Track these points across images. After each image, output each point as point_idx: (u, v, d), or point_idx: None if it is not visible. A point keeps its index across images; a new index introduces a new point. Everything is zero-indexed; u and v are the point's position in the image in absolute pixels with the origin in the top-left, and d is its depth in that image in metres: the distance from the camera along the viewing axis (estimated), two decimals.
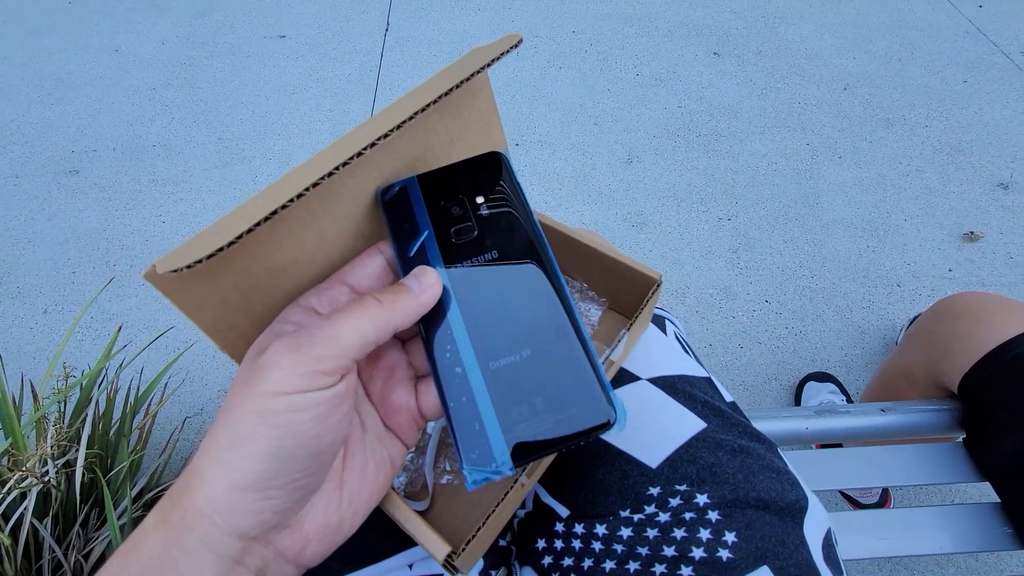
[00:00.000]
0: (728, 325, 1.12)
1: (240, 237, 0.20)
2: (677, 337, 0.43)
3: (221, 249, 0.20)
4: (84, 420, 0.63)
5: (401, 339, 0.26)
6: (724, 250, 1.22)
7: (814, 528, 0.32)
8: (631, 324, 0.35)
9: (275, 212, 0.21)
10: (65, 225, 1.29)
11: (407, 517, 0.27)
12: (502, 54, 0.26)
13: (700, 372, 0.40)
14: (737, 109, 1.48)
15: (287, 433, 0.19)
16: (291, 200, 0.21)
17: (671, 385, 0.37)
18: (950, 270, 1.17)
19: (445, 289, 0.24)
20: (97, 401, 0.75)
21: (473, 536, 0.27)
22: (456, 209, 0.26)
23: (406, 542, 0.33)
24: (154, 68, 1.65)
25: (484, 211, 0.26)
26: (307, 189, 0.21)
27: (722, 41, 1.67)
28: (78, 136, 1.48)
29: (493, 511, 0.28)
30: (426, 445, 0.36)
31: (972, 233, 1.21)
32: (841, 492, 0.90)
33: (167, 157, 1.42)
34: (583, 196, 1.32)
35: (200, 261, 0.19)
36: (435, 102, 0.24)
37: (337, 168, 0.22)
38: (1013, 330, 0.48)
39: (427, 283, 0.23)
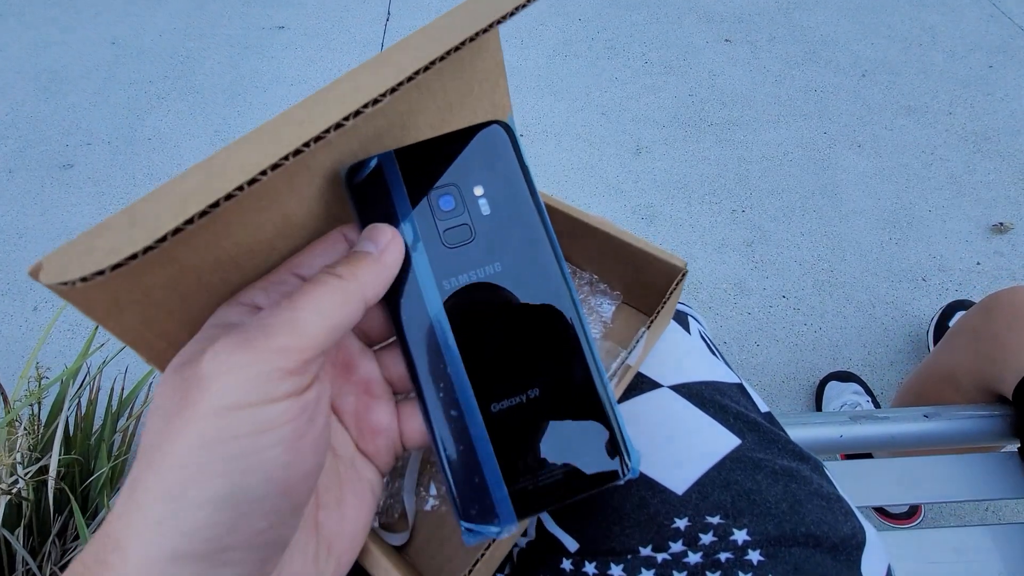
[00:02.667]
0: (743, 322, 1.06)
1: (164, 240, 0.14)
2: (702, 336, 0.38)
3: (134, 256, 0.14)
4: (56, 426, 0.59)
5: (371, 345, 0.22)
6: (738, 243, 1.16)
7: (873, 566, 0.27)
8: (651, 321, 0.30)
9: (216, 204, 0.15)
10: (58, 220, 1.26)
11: (376, 562, 0.22)
12: (519, 7, 0.20)
13: (731, 377, 0.35)
14: (750, 97, 1.42)
15: (248, 466, 0.14)
16: (239, 188, 0.15)
17: (698, 394, 0.32)
18: (978, 263, 1.11)
19: (434, 315, 0.19)
20: (79, 402, 0.71)
21: (475, 563, 0.23)
22: (447, 201, 0.20)
23: None
24: (151, 60, 1.61)
25: (484, 207, 0.20)
26: (263, 173, 0.15)
27: (734, 27, 1.61)
28: (73, 130, 1.44)
29: (486, 549, 0.23)
30: (404, 466, 0.31)
31: (1001, 224, 1.15)
32: None
33: (162, 150, 1.38)
34: (590, 188, 1.27)
35: (101, 273, 0.13)
36: (442, 59, 0.18)
37: (308, 144, 0.16)
38: None
39: (383, 240, 0.18)
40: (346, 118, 0.17)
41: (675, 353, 0.34)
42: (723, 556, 0.26)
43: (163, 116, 1.45)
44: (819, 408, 0.94)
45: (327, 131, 0.16)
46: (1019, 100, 1.38)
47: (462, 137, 0.21)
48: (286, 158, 0.16)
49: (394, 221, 0.20)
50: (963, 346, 0.54)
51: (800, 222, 1.19)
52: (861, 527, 0.28)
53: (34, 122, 1.46)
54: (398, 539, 0.29)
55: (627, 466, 0.20)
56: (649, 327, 0.30)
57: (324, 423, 0.17)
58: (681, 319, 0.37)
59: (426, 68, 0.18)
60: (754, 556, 0.25)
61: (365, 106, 0.17)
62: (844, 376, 0.94)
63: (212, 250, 0.18)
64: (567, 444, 0.19)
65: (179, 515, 0.14)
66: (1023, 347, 0.45)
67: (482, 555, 0.23)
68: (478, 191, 0.20)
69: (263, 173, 0.15)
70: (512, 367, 0.19)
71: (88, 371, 0.74)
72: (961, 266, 1.11)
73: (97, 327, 0.73)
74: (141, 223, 0.14)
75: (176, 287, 0.18)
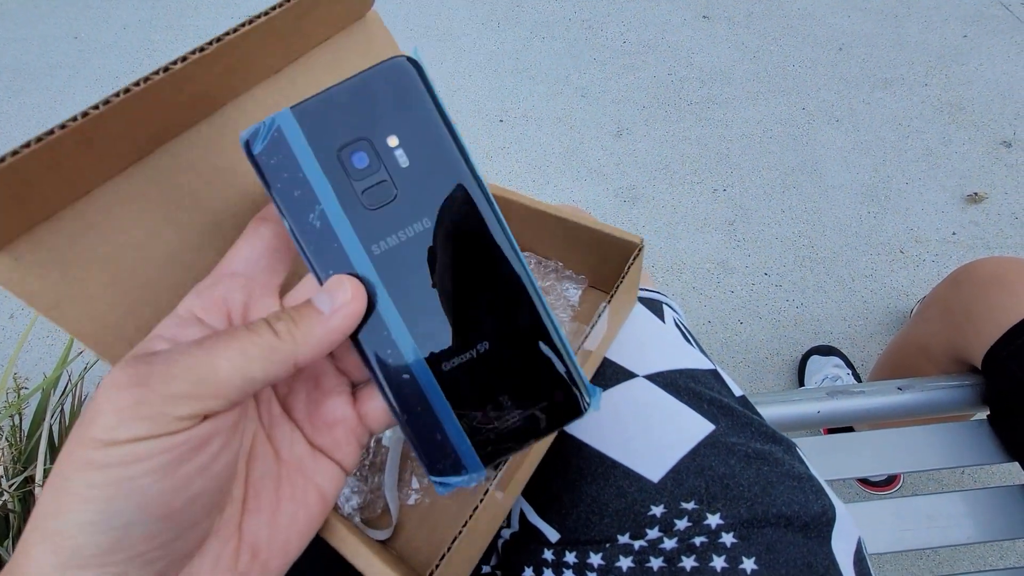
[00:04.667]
0: (726, 300, 1.08)
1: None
2: (677, 324, 0.38)
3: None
4: (39, 436, 0.58)
5: None
6: (720, 222, 1.17)
7: (843, 541, 0.28)
8: (611, 296, 0.30)
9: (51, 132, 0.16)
10: None
11: (356, 552, 0.22)
12: None
13: (705, 364, 0.35)
14: (729, 74, 1.42)
15: (119, 494, 0.14)
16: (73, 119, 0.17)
17: (672, 382, 0.32)
18: (954, 233, 1.13)
19: (368, 282, 0.19)
20: (62, 410, 0.70)
21: (441, 560, 0.23)
22: (360, 159, 0.18)
23: None
24: (116, 55, 1.56)
25: (402, 159, 0.18)
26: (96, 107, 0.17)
27: (711, 3, 1.59)
28: (38, 129, 1.39)
29: (464, 527, 0.24)
30: (383, 461, 0.31)
31: (976, 194, 1.17)
32: None
33: None
34: (572, 172, 1.26)
35: None
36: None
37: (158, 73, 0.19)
38: None
39: (340, 300, 0.17)
40: (183, 58, 0.18)
41: (650, 342, 0.35)
42: (697, 540, 0.26)
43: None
44: (801, 382, 0.96)
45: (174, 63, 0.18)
46: (993, 69, 1.39)
47: (364, 82, 0.18)
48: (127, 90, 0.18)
49: (305, 190, 0.18)
50: (934, 318, 0.55)
51: (781, 199, 1.20)
52: (831, 504, 0.29)
53: None
54: (382, 535, 0.29)
55: (585, 401, 0.20)
56: (610, 302, 0.30)
57: (220, 447, 0.16)
58: (656, 308, 0.38)
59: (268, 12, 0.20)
60: (727, 539, 0.26)
61: (202, 49, 0.19)
62: (825, 350, 0.96)
63: (143, 248, 0.20)
64: (523, 390, 0.20)
65: (62, 531, 0.15)
66: (991, 318, 0.46)
67: (458, 534, 0.24)
68: (392, 141, 0.18)
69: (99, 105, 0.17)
70: (457, 324, 0.19)
71: (69, 378, 0.73)
72: (937, 237, 1.13)
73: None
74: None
75: (115, 283, 0.19)
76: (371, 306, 0.19)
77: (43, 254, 0.18)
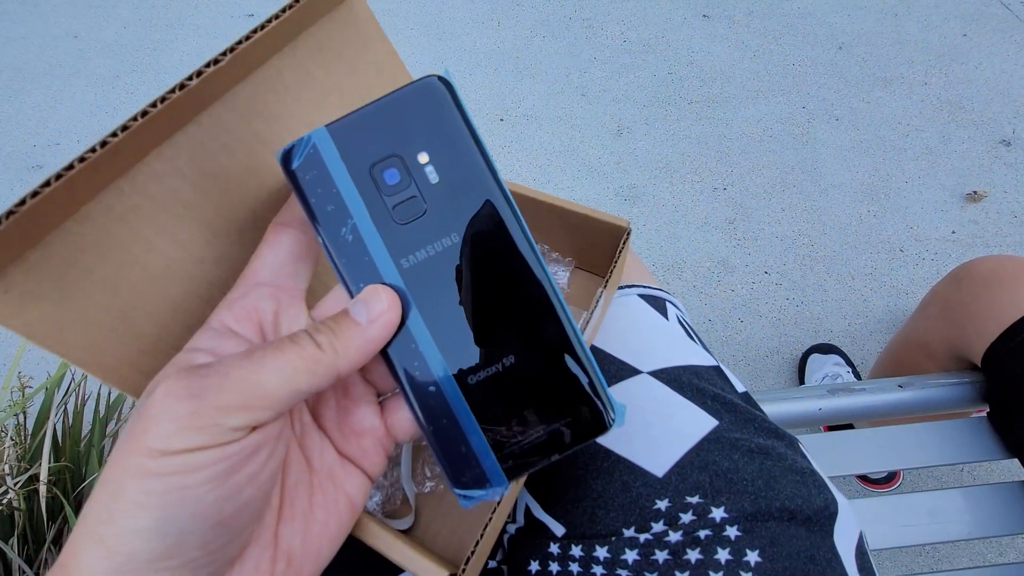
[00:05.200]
0: (727, 299, 1.08)
1: (23, 203, 0.15)
2: (680, 321, 0.39)
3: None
4: (44, 435, 0.58)
5: None
6: (720, 221, 1.17)
7: (845, 535, 0.29)
8: (607, 281, 0.31)
9: (71, 167, 0.16)
10: None
11: (391, 544, 0.23)
12: None
13: (708, 360, 0.35)
14: (729, 73, 1.42)
15: (175, 502, 0.15)
16: (91, 151, 0.16)
17: (676, 378, 0.33)
18: (953, 232, 1.13)
19: (401, 294, 0.19)
20: (65, 409, 0.71)
21: (473, 552, 0.24)
22: (392, 175, 0.19)
23: (391, 572, 0.29)
24: (116, 54, 1.56)
25: (432, 175, 0.19)
26: (114, 135, 0.17)
27: (712, 2, 1.60)
28: (39, 129, 1.40)
29: (490, 519, 0.24)
30: (399, 455, 0.31)
31: (975, 193, 1.17)
32: None
33: None
34: (572, 171, 1.26)
35: None
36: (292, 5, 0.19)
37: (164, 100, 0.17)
38: None
39: (376, 311, 0.18)
40: (199, 73, 0.18)
41: (653, 339, 0.35)
42: (702, 533, 0.27)
43: (133, 112, 1.42)
44: (802, 380, 0.96)
45: (182, 87, 0.18)
46: (992, 68, 1.39)
47: (397, 100, 0.19)
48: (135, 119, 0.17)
49: (338, 204, 0.19)
50: (935, 315, 0.55)
51: (781, 198, 1.20)
52: (833, 498, 0.30)
53: None
54: (403, 524, 0.30)
55: (611, 418, 0.20)
56: (605, 287, 0.31)
57: (269, 455, 0.17)
58: (659, 305, 0.38)
59: (278, 17, 0.19)
60: (731, 532, 0.27)
61: (223, 55, 0.18)
62: (826, 348, 0.96)
63: (139, 266, 0.19)
64: (549, 404, 0.20)
65: (116, 538, 0.15)
66: (990, 315, 0.46)
67: (487, 525, 0.24)
68: (423, 158, 0.19)
69: (114, 135, 0.17)
70: (484, 338, 0.19)
71: (72, 378, 0.74)
72: (937, 235, 1.13)
73: None
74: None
75: (113, 305, 0.18)
76: (401, 318, 0.19)
77: (36, 282, 0.17)
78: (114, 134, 0.17)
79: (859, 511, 0.47)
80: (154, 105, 0.17)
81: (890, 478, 0.86)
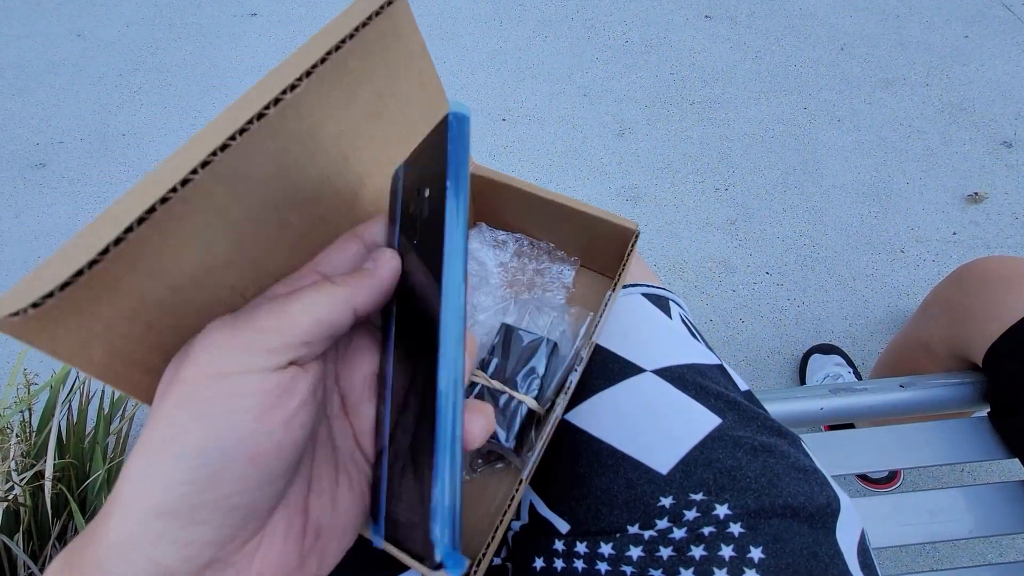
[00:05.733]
0: (728, 299, 1.08)
1: (105, 253, 0.15)
2: (683, 320, 0.39)
3: (80, 273, 0.15)
4: (49, 431, 0.59)
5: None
6: (722, 221, 1.18)
7: (847, 532, 0.29)
8: (615, 284, 0.31)
9: (153, 209, 0.15)
10: (33, 222, 1.23)
11: None
12: None
13: (711, 359, 0.36)
14: (731, 74, 1.43)
15: (217, 425, 0.16)
16: (173, 190, 0.16)
17: (680, 377, 0.33)
18: (954, 233, 1.14)
19: (389, 335, 0.21)
20: (70, 406, 0.71)
21: (487, 547, 0.24)
22: (416, 204, 0.20)
23: (396, 569, 0.29)
24: (119, 52, 1.57)
25: (425, 210, 0.19)
26: (194, 172, 0.16)
27: (713, 3, 1.60)
28: (43, 127, 1.40)
29: (504, 513, 0.25)
30: None
31: (976, 194, 1.17)
32: None
33: (138, 146, 1.35)
34: (574, 171, 1.27)
35: (51, 295, 0.14)
36: (351, 37, 0.19)
37: (234, 138, 0.17)
38: None
39: (383, 260, 0.20)
40: (267, 107, 0.17)
41: (657, 338, 0.35)
42: (706, 530, 0.27)
43: (136, 110, 1.42)
44: (803, 380, 0.96)
45: (250, 122, 0.17)
46: (994, 69, 1.39)
47: (431, 135, 0.20)
48: (215, 152, 0.16)
49: (392, 229, 0.22)
50: (936, 316, 0.56)
51: (782, 198, 1.20)
52: (836, 496, 0.30)
53: (1, 121, 1.42)
54: None
55: (432, 558, 0.15)
56: (614, 290, 0.31)
57: (300, 406, 0.17)
58: (663, 304, 0.38)
59: (337, 48, 0.19)
60: (735, 529, 0.27)
61: (284, 92, 0.18)
62: (827, 349, 0.96)
63: (168, 274, 0.18)
64: (411, 502, 0.17)
65: (157, 474, 0.15)
66: (992, 316, 0.47)
67: (501, 517, 0.24)
68: (425, 193, 0.19)
69: (193, 172, 0.16)
70: (412, 389, 0.19)
71: (77, 375, 0.74)
72: (938, 236, 1.13)
73: None
74: (84, 245, 0.15)
75: (142, 318, 0.18)
76: (386, 355, 0.21)
77: (65, 298, 0.15)
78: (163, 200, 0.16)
79: (860, 510, 0.47)
80: (195, 172, 0.16)
81: (891, 478, 0.86)
